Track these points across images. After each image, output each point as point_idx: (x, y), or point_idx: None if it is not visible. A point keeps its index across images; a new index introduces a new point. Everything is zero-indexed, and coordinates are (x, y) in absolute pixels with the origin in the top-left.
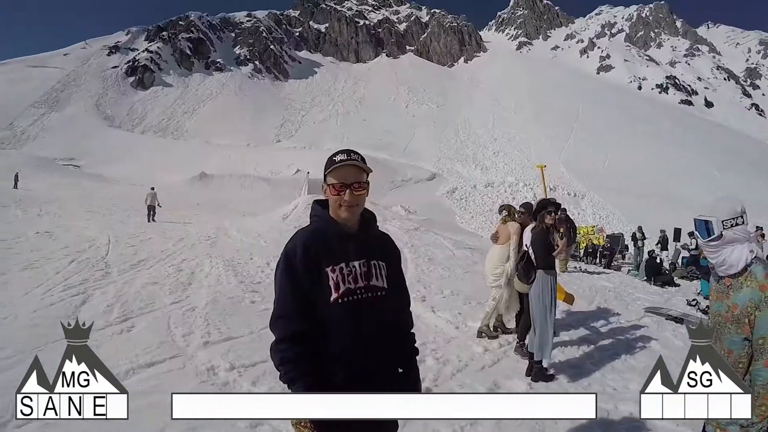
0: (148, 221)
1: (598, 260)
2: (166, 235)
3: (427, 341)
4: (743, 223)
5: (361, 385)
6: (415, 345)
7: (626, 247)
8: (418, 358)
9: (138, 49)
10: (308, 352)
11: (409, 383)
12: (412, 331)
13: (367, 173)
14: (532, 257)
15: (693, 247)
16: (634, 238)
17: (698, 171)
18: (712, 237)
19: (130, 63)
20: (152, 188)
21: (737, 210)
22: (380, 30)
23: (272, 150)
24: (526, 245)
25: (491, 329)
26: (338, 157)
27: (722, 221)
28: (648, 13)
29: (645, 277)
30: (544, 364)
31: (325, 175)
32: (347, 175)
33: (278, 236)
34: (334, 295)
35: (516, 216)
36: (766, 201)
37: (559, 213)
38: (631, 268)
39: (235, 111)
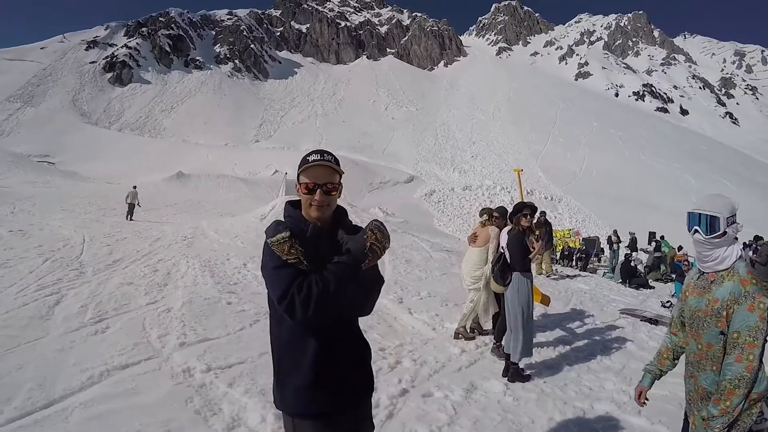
0: (127, 219)
1: (573, 263)
2: (142, 234)
3: (404, 342)
4: (737, 221)
5: (329, 360)
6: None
7: (602, 250)
8: (395, 359)
9: (117, 45)
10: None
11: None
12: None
13: (339, 174)
14: (509, 259)
15: (653, 248)
16: (609, 241)
17: (673, 176)
18: (717, 233)
19: (109, 58)
20: (134, 187)
21: (735, 208)
22: (361, 32)
23: (250, 150)
24: (502, 247)
25: (468, 330)
26: (311, 157)
27: (726, 218)
28: (626, 23)
29: (620, 280)
30: (521, 365)
31: (298, 175)
32: (319, 176)
33: (255, 237)
34: None
35: (494, 220)
36: (740, 207)
37: (538, 216)
38: (606, 271)
39: (213, 110)
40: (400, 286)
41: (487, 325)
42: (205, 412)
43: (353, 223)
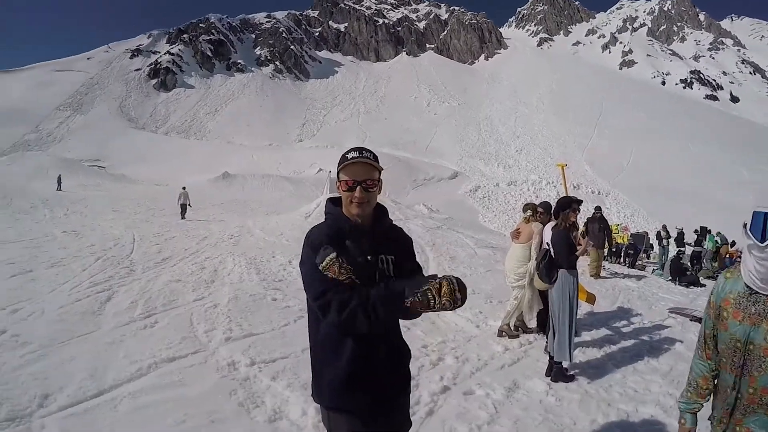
0: (182, 218)
1: (622, 260)
2: (190, 233)
3: (447, 340)
4: None
5: (366, 360)
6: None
7: (651, 246)
8: (437, 356)
9: (160, 52)
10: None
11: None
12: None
13: (379, 171)
14: (554, 256)
15: (693, 242)
16: (658, 236)
17: (724, 168)
18: None
19: (153, 65)
20: (184, 188)
21: None
22: (400, 28)
23: (294, 149)
24: (547, 243)
25: (512, 328)
26: (350, 155)
27: None
28: (670, 7)
29: (669, 277)
30: (564, 365)
31: (338, 172)
32: (358, 172)
33: (300, 235)
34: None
35: (538, 216)
36: None
37: (593, 212)
38: (655, 268)
39: (256, 111)
40: None
41: (532, 323)
42: (248, 404)
43: (393, 222)
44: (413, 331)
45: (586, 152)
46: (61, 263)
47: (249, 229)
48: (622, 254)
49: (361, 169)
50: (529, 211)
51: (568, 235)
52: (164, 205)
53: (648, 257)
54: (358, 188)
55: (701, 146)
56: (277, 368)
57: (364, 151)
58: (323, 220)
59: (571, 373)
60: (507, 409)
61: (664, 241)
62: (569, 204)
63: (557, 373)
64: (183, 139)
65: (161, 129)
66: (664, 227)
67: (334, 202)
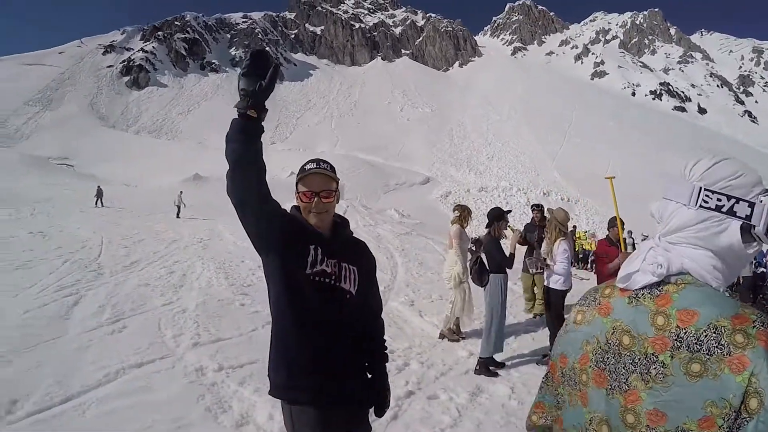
0: (177, 217)
1: (589, 266)
2: (159, 236)
3: (413, 345)
4: None
5: (320, 361)
6: (386, 352)
7: None
8: (403, 361)
9: (133, 49)
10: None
11: (377, 391)
12: (383, 338)
13: (336, 182)
14: (485, 262)
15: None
16: (624, 243)
17: None
18: None
19: (126, 62)
20: (180, 192)
21: None
22: (376, 33)
23: (266, 152)
24: (471, 249)
25: (453, 332)
26: (308, 166)
27: None
28: (642, 20)
29: None
30: (491, 357)
31: (296, 183)
32: (316, 183)
33: None
34: (308, 270)
35: (462, 218)
36: None
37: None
38: None
39: (229, 112)
40: (411, 288)
41: (467, 328)
42: (215, 409)
43: (354, 235)
44: None
45: (556, 160)
46: (27, 266)
47: (219, 233)
48: (590, 261)
49: (319, 179)
50: (456, 211)
51: (497, 242)
52: (132, 207)
53: None
54: (316, 199)
55: (669, 155)
56: (245, 373)
57: (321, 163)
58: None
59: (496, 370)
60: (470, 413)
61: (630, 248)
62: (502, 216)
63: (480, 366)
64: (154, 139)
65: (132, 128)
66: (630, 233)
67: (298, 209)
